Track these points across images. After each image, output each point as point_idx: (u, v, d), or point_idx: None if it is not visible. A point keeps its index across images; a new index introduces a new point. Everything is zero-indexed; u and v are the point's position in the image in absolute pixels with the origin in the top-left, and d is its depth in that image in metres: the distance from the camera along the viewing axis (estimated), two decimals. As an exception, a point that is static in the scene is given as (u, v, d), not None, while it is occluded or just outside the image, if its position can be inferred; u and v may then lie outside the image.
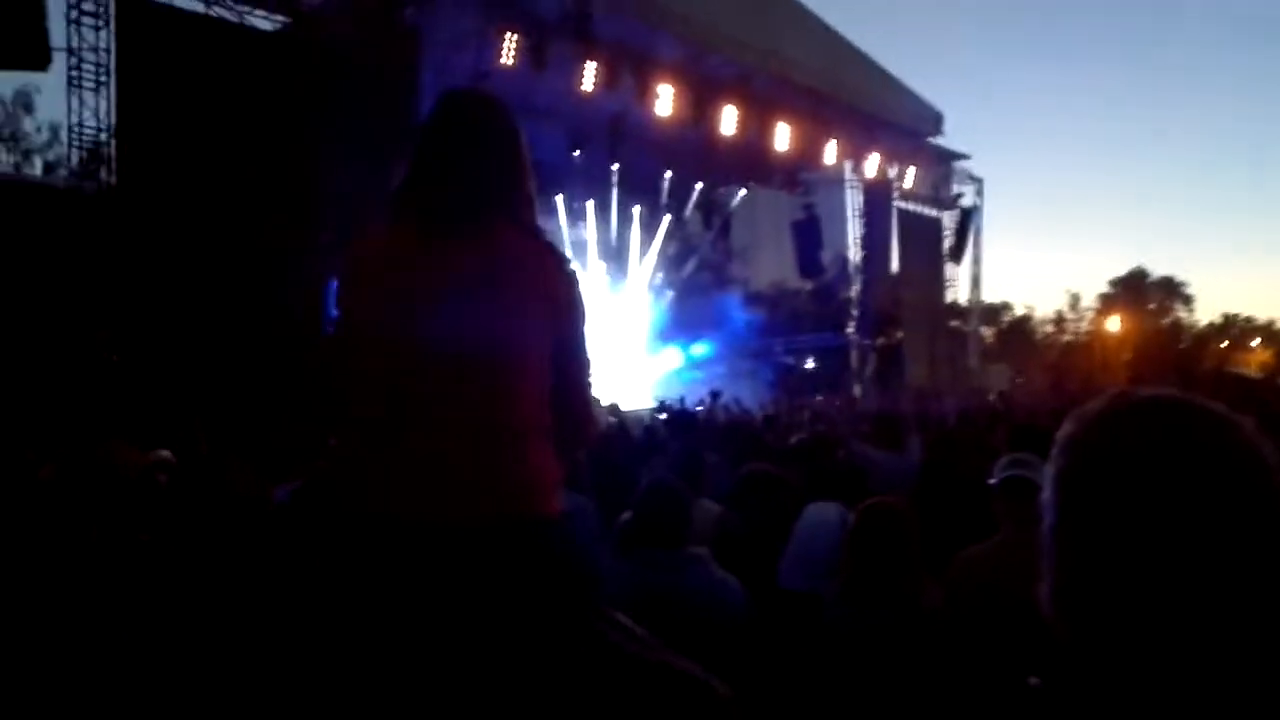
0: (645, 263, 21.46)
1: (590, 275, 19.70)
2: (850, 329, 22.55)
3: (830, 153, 18.47)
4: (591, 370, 2.08)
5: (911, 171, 20.50)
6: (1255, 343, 52.90)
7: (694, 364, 20.45)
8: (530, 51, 13.59)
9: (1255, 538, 0.85)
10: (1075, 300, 52.90)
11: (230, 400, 7.64)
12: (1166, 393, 0.95)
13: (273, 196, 10.86)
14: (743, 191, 22.26)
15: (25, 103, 26.32)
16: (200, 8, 11.70)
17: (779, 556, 3.29)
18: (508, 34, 13.29)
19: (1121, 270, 52.97)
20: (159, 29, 10.87)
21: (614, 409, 11.03)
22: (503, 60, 13.39)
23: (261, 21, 12.54)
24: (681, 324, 21.42)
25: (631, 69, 14.78)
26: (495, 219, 1.95)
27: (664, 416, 9.49)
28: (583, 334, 2.04)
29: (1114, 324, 47.98)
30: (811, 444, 5.01)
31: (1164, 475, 0.87)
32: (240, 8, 12.23)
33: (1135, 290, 50.73)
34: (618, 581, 2.44)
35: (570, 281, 2.01)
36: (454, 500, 1.81)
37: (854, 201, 21.60)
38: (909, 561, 2.58)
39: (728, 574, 2.67)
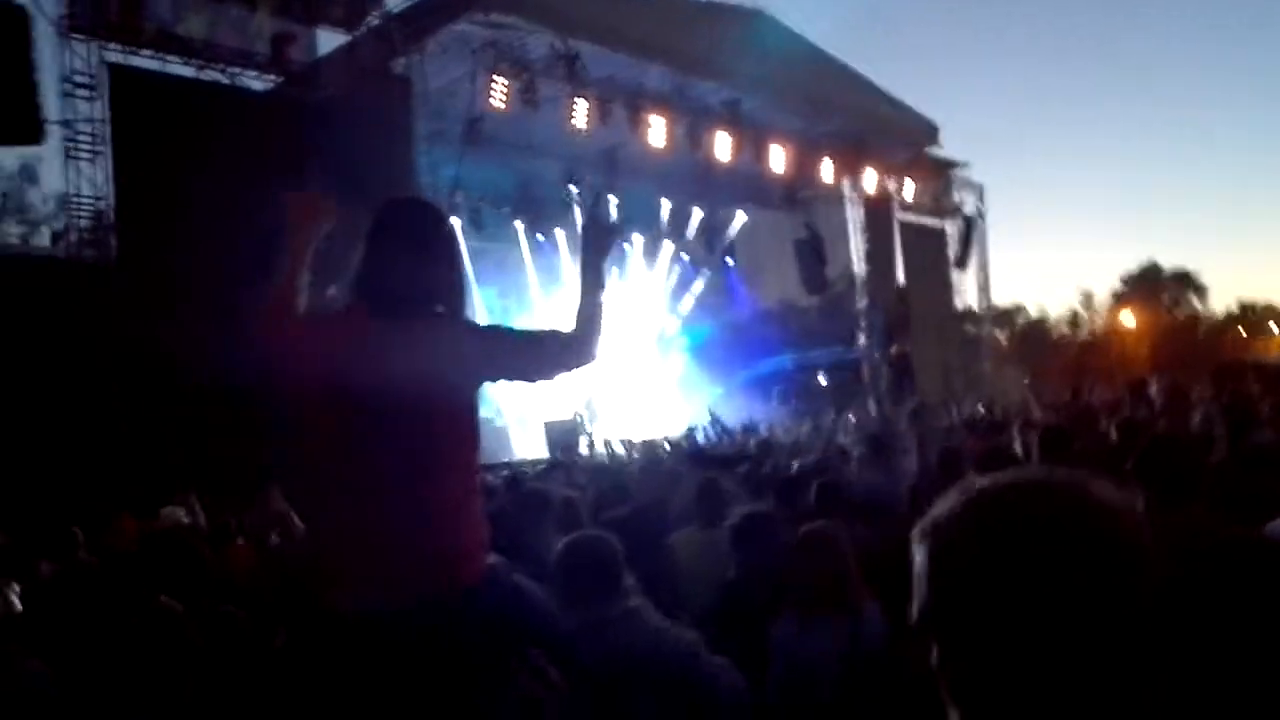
0: (652, 291, 21.50)
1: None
2: (860, 342, 22.48)
3: (827, 171, 18.51)
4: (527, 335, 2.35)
5: (910, 183, 20.51)
6: (1274, 329, 52.42)
7: (708, 387, 20.41)
8: (521, 93, 13.73)
9: (1110, 619, 0.85)
10: (1089, 298, 52.61)
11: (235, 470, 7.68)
12: (1030, 475, 0.95)
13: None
14: (742, 214, 22.31)
15: (30, 175, 26.65)
16: (191, 72, 11.85)
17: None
18: (497, 78, 13.42)
19: (1133, 266, 52.71)
20: (151, 96, 11.05)
21: (627, 443, 11.04)
22: (494, 103, 13.52)
23: (253, 82, 12.72)
24: (696, 350, 21.41)
25: (622, 102, 14.92)
26: (429, 311, 2.23)
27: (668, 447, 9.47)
28: (503, 344, 2.32)
29: (1129, 319, 47.67)
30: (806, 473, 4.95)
31: (1022, 562, 0.86)
32: (232, 69, 12.42)
33: (1149, 285, 50.34)
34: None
35: (474, 334, 2.32)
36: (392, 585, 2.00)
37: (855, 217, 21.60)
38: (844, 580, 2.72)
39: (666, 624, 2.63)
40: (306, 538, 2.29)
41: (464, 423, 2.21)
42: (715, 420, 8.39)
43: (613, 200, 19.23)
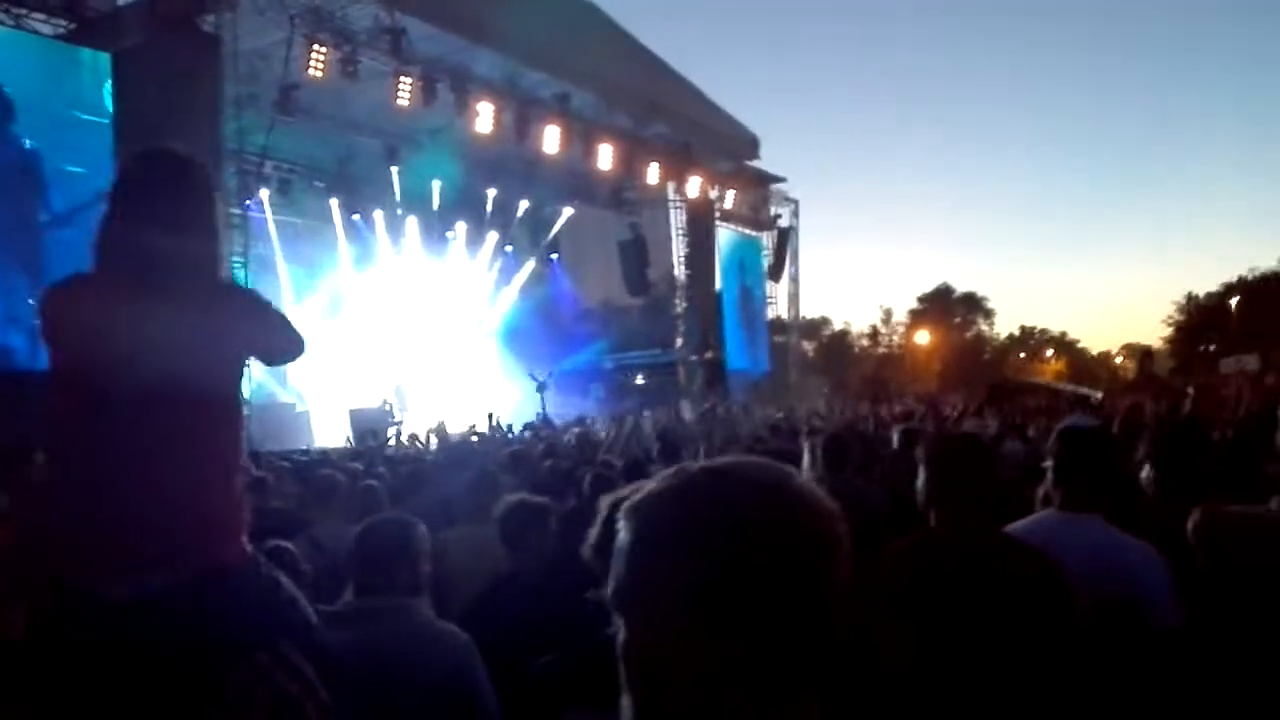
0: (474, 280, 21.15)
1: (410, 292, 19.24)
2: (678, 345, 22.96)
3: (653, 173, 18.77)
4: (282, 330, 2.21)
5: (731, 193, 21.12)
6: (1050, 353, 57.47)
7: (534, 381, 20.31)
8: (341, 64, 13.17)
9: (797, 609, 0.86)
10: (888, 315, 55.90)
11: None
12: (738, 463, 0.95)
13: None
14: (569, 210, 22.32)
15: None
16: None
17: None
18: (317, 46, 12.81)
19: (929, 286, 56.41)
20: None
21: (440, 429, 10.79)
22: (312, 72, 12.89)
23: (42, 26, 11.60)
24: (514, 341, 21.21)
25: (449, 84, 14.56)
26: (185, 274, 2.08)
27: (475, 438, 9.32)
28: (255, 318, 2.19)
29: (923, 337, 51.05)
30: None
31: (717, 545, 0.86)
32: (17, 11, 11.28)
33: (942, 305, 54.05)
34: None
35: (243, 301, 2.21)
36: (143, 565, 1.92)
37: (678, 221, 22.04)
38: None
39: (444, 625, 2.55)
40: (56, 515, 2.09)
41: (219, 399, 2.09)
42: (544, 417, 8.31)
43: (435, 184, 18.90)
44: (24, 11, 11.34)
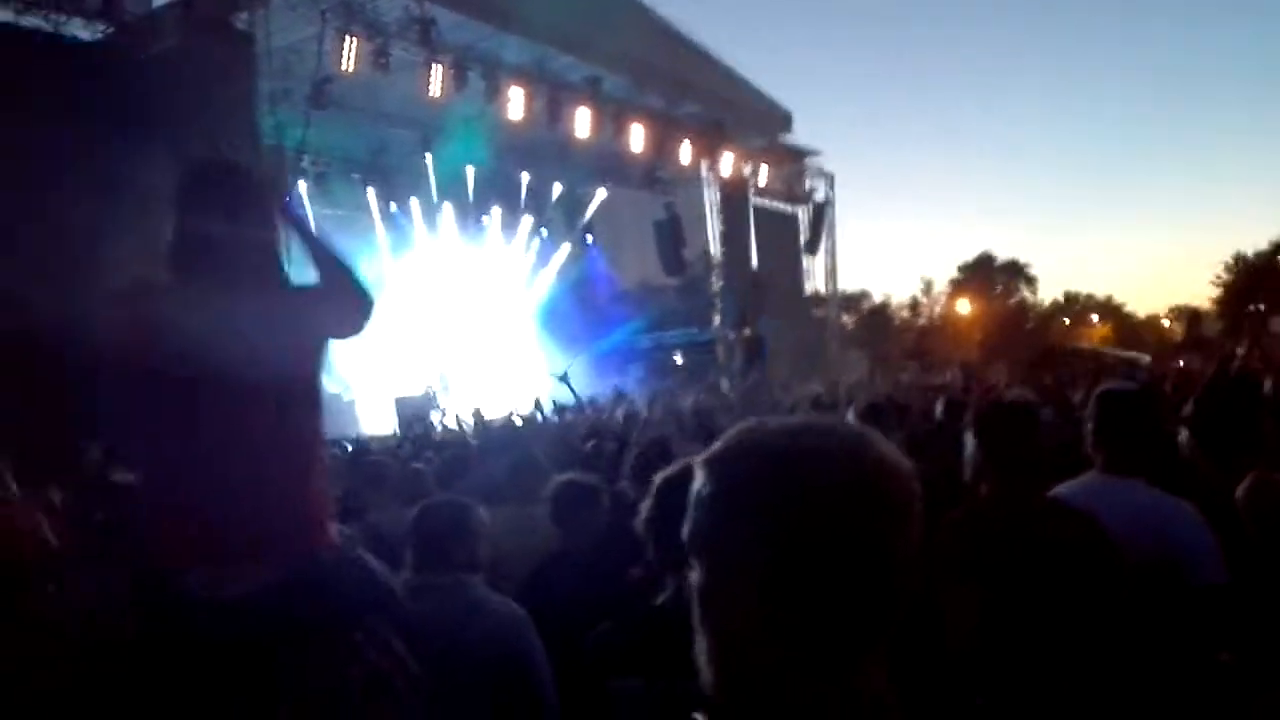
0: (511, 264, 21.28)
1: (448, 279, 19.40)
2: (715, 323, 22.93)
3: (685, 152, 18.71)
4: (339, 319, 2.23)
5: (765, 169, 20.98)
6: (1095, 318, 56.43)
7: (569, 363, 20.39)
8: (373, 56, 13.28)
9: (873, 564, 0.89)
10: (929, 286, 55.21)
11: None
12: (817, 421, 0.98)
13: (99, 222, 10.26)
14: (602, 192, 22.33)
15: None
16: (9, 17, 10.90)
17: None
18: (348, 38, 12.93)
19: (970, 255, 55.62)
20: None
21: (477, 414, 10.92)
22: (344, 65, 13.02)
23: (81, 31, 11.82)
24: (552, 324, 21.33)
25: (480, 72, 14.63)
26: (244, 272, 2.15)
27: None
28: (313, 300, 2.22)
29: (964, 307, 50.38)
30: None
31: (797, 497, 0.89)
32: (56, 17, 11.50)
33: (983, 274, 53.25)
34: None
35: (305, 296, 2.22)
36: (239, 562, 1.98)
37: (712, 199, 21.96)
38: None
39: (501, 600, 2.63)
40: (147, 514, 2.18)
41: (299, 391, 2.15)
42: (567, 386, 8.32)
43: (469, 171, 19.00)
44: (63, 18, 11.55)
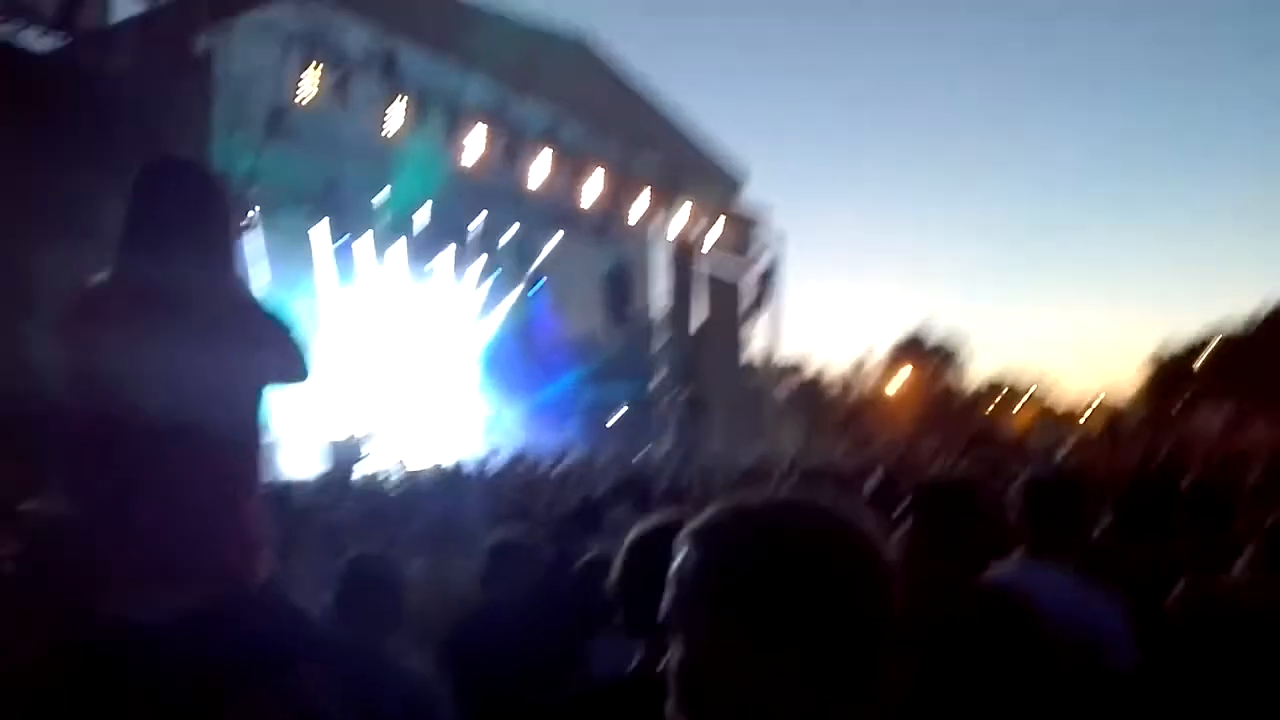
0: (458, 306, 21.14)
1: (393, 318, 19.20)
2: (656, 381, 22.98)
3: (639, 207, 18.92)
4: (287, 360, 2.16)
5: (718, 225, 21.26)
6: (1020, 403, 58.13)
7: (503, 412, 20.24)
8: (333, 88, 13.24)
9: (859, 633, 0.90)
10: (864, 360, 56.48)
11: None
12: (801, 495, 0.99)
13: (47, 239, 10.00)
14: (556, 238, 22.41)
15: None
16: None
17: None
18: (309, 68, 12.88)
19: (912, 318, 57.07)
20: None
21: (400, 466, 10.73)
22: (303, 96, 12.96)
23: (34, 42, 11.61)
24: (494, 370, 21.19)
25: (440, 110, 14.66)
26: (204, 286, 2.06)
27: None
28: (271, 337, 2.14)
29: (896, 385, 51.56)
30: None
31: (787, 570, 0.90)
32: (12, 25, 11.28)
33: (916, 353, 54.73)
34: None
35: (261, 324, 2.14)
36: (171, 588, 1.91)
37: (662, 256, 22.18)
38: None
39: (411, 663, 2.56)
40: (74, 543, 2.07)
41: (239, 424, 2.09)
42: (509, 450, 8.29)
43: (422, 209, 18.95)
44: (20, 24, 11.34)
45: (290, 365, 2.12)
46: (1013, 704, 2.19)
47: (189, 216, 2.04)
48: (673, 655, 0.94)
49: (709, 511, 0.98)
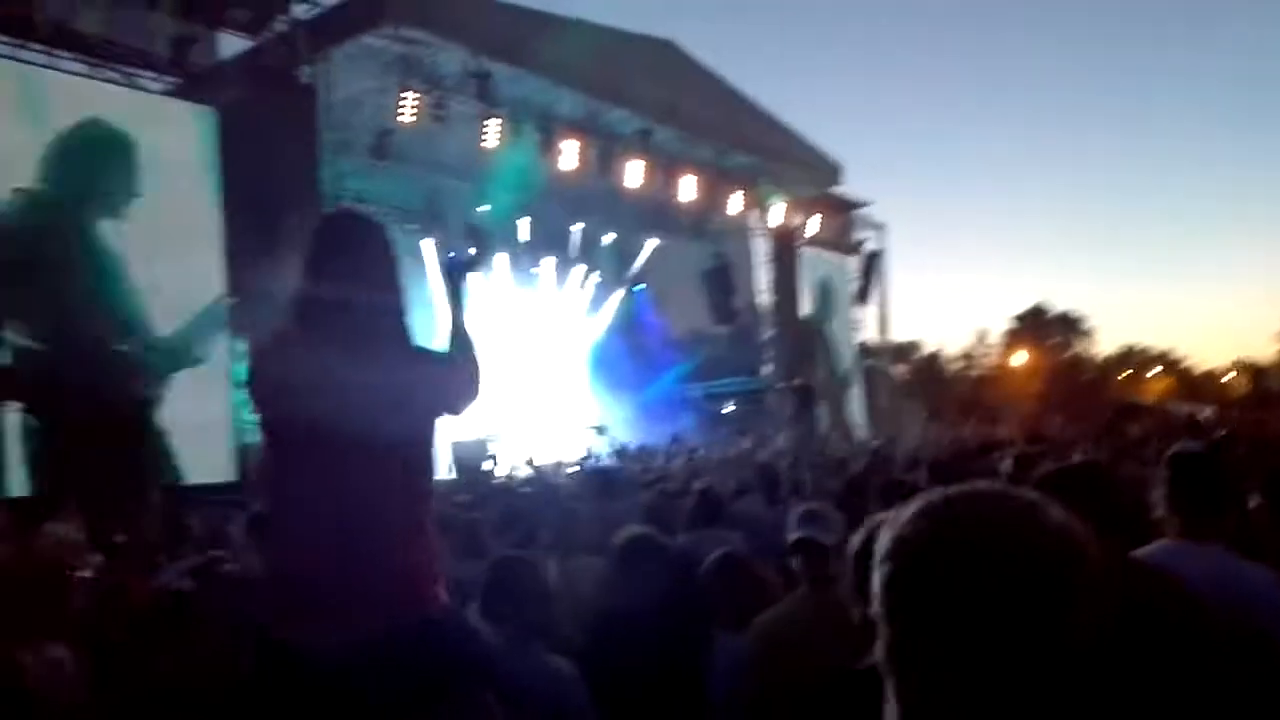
0: (562, 312, 21.45)
1: (502, 326, 19.58)
2: (765, 372, 22.83)
3: (735, 203, 18.81)
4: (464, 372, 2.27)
5: (816, 219, 20.99)
6: (1154, 371, 55.15)
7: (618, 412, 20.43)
8: (431, 109, 13.59)
9: (1061, 633, 0.85)
10: (982, 336, 54.52)
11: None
12: (979, 491, 0.93)
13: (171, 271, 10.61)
14: (653, 241, 22.49)
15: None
16: (85, 70, 11.36)
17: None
18: (407, 92, 13.26)
19: (1024, 306, 54.88)
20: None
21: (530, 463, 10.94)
22: (404, 118, 13.34)
23: (151, 83, 12.27)
24: (603, 371, 21.43)
25: (534, 125, 14.89)
26: (378, 332, 2.17)
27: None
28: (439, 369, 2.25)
29: (1019, 359, 49.59)
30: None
31: (986, 572, 0.85)
32: (129, 70, 11.96)
33: (1037, 325, 52.49)
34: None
35: (435, 358, 2.24)
36: (353, 617, 1.97)
37: (762, 250, 21.99)
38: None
39: (561, 661, 2.58)
40: (261, 565, 2.21)
41: (415, 452, 2.17)
42: (615, 444, 8.32)
43: (523, 221, 19.29)
44: (133, 70, 12.00)
45: (462, 394, 2.22)
46: (1184, 694, 2.08)
47: (366, 263, 2.19)
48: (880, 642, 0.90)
49: (897, 524, 0.92)
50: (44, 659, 2.32)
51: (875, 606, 0.91)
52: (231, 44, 13.13)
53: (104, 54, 11.47)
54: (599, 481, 6.06)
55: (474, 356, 2.26)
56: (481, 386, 2.24)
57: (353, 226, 2.29)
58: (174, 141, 11.44)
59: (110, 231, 10.59)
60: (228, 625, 2.57)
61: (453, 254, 2.53)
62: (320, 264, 2.17)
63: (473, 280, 2.40)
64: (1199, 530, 2.52)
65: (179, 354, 10.90)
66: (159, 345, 10.75)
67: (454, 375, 2.22)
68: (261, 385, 2.17)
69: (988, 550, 0.86)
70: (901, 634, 0.89)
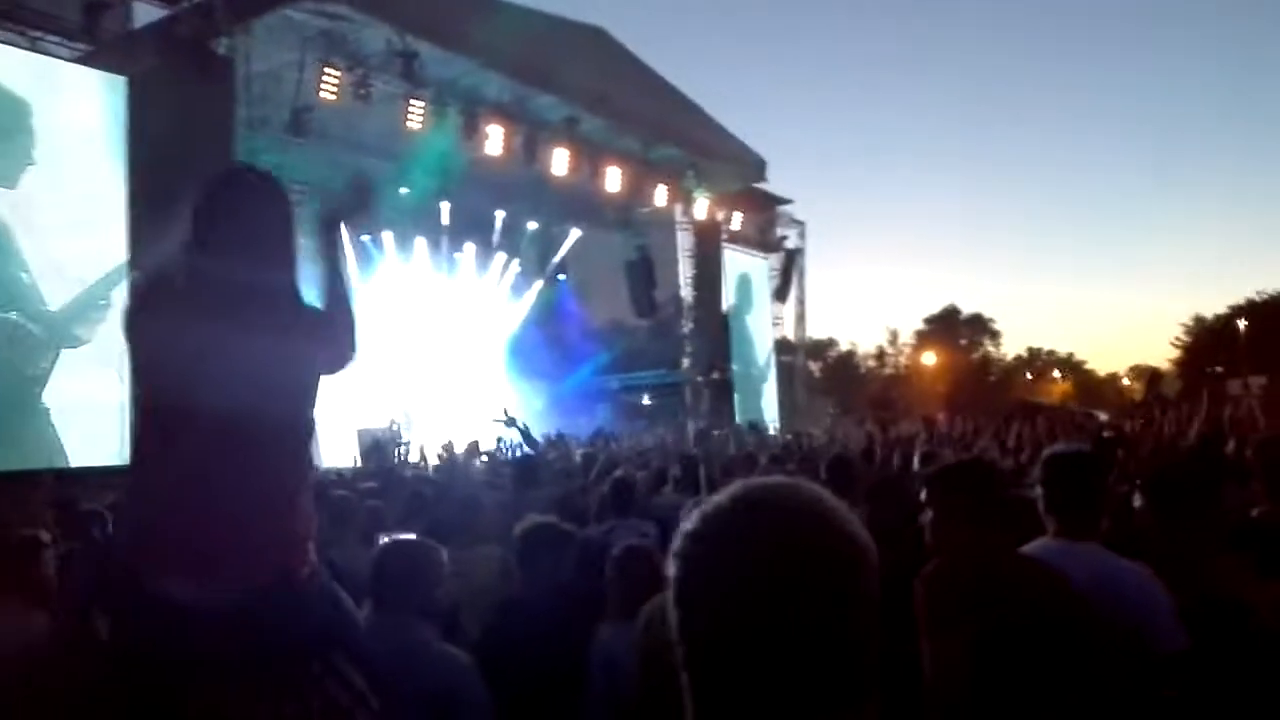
0: (481, 300, 21.23)
1: (418, 312, 19.30)
2: (684, 365, 22.99)
3: (660, 196, 18.87)
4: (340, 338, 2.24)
5: (738, 215, 21.20)
6: (1056, 375, 57.24)
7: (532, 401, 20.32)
8: (354, 87, 13.30)
9: (843, 618, 0.88)
10: (894, 336, 55.84)
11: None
12: (773, 487, 0.96)
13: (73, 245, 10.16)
14: (576, 231, 22.43)
15: None
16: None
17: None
18: (329, 69, 12.95)
19: (936, 307, 56.35)
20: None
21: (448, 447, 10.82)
22: (325, 95, 13.03)
23: (60, 49, 11.74)
24: (520, 360, 21.29)
25: (460, 108, 14.69)
26: (266, 300, 2.12)
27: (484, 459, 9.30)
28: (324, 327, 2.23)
29: (929, 359, 50.96)
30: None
31: (768, 580, 0.88)
32: (34, 34, 11.43)
33: (948, 326, 53.96)
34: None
35: (316, 321, 2.21)
36: (221, 572, 1.96)
37: (685, 243, 22.12)
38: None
39: (442, 647, 2.58)
40: (129, 525, 2.16)
41: (292, 420, 2.15)
42: (524, 433, 8.24)
43: (444, 205, 19.02)
44: (40, 34, 11.48)
45: (338, 354, 2.21)
46: (1061, 680, 2.16)
47: (253, 227, 2.13)
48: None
49: (689, 519, 0.95)
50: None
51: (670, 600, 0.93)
52: (147, 12, 12.67)
53: (12, 16, 10.96)
54: (518, 470, 6.02)
55: (350, 313, 2.23)
56: (358, 345, 2.22)
57: (241, 185, 2.23)
58: (81, 111, 10.98)
59: (-1, 201, 10.11)
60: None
61: (331, 205, 2.44)
62: (211, 223, 2.12)
63: (348, 231, 2.37)
64: (1075, 529, 2.62)
65: (58, 329, 10.42)
66: (40, 319, 10.30)
67: (330, 335, 2.20)
68: (137, 335, 2.12)
69: (767, 546, 0.89)
70: (684, 625, 0.91)
